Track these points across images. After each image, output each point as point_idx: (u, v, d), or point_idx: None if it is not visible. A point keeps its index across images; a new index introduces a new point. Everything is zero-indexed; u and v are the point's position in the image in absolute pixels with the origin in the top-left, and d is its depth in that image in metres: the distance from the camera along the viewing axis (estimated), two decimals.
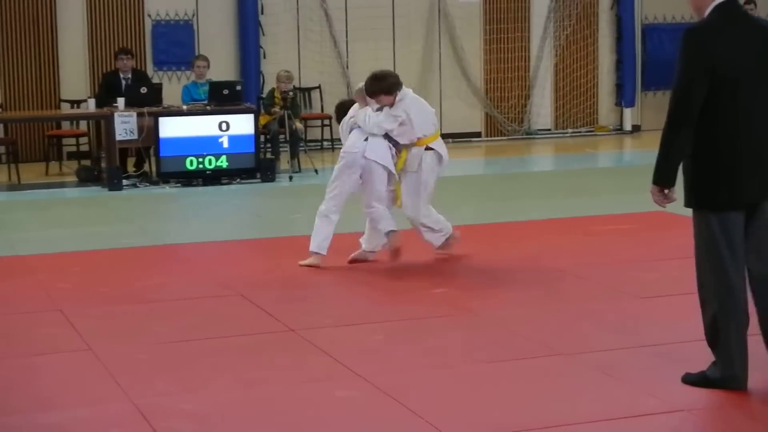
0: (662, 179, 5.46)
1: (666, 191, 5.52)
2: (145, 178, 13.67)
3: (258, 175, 13.61)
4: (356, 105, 8.98)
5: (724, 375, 5.41)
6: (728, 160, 5.31)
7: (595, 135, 18.60)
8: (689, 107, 5.26)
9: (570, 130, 18.58)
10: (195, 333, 6.79)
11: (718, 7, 5.25)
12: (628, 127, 18.83)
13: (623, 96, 18.71)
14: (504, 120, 18.17)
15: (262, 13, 16.76)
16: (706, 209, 5.45)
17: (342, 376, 5.86)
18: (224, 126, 13.45)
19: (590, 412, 5.26)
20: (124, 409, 5.42)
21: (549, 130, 18.56)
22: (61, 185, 13.93)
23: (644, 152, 16.95)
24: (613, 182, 13.86)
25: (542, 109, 18.43)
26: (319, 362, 6.14)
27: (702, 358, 6.07)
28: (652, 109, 19.11)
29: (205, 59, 14.68)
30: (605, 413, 5.24)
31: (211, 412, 5.39)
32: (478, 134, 18.06)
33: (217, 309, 7.43)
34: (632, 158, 17.02)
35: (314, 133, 16.87)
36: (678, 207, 10.90)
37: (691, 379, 5.57)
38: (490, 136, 18.13)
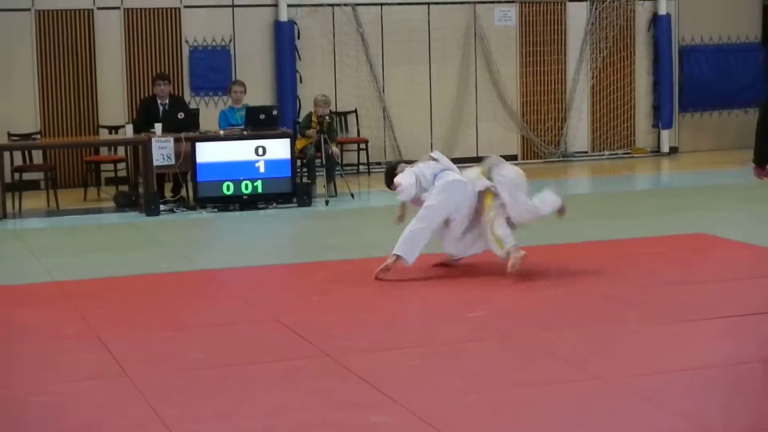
0: (760, 159, 7.73)
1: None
2: (182, 203, 13.73)
3: (294, 200, 13.63)
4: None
5: None
6: None
7: (633, 157, 18.53)
8: None
9: (607, 153, 18.52)
10: (230, 358, 6.78)
11: None
12: (665, 149, 18.75)
13: (660, 117, 18.64)
14: (540, 143, 18.13)
15: (299, 38, 16.84)
16: None
17: (377, 402, 5.83)
18: (260, 151, 13.49)
19: None
20: None
21: (586, 152, 18.51)
22: (99, 211, 14.02)
23: (682, 174, 16.88)
24: (651, 204, 13.77)
25: (579, 132, 18.39)
26: (354, 388, 6.12)
27: (741, 383, 6.01)
28: (690, 130, 19.04)
29: (242, 84, 14.74)
30: None
31: None
32: (514, 157, 18.00)
33: (252, 334, 7.42)
34: (670, 180, 16.93)
35: (350, 158, 16.90)
36: (718, 229, 10.84)
37: None
38: (527, 159, 18.09)
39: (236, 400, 5.95)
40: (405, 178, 9.29)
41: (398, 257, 8.96)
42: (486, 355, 6.75)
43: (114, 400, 6.06)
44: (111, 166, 15.48)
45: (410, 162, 9.73)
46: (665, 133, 18.76)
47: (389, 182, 9.50)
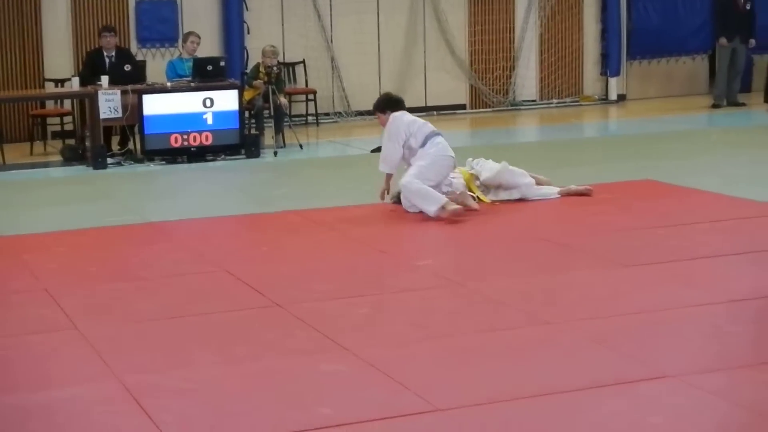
0: None
1: None
2: (130, 156, 13.62)
3: (243, 151, 13.57)
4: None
5: None
6: None
7: (581, 105, 18.59)
8: None
9: (555, 101, 18.56)
10: (181, 310, 6.76)
11: None
12: (613, 96, 18.83)
13: (608, 65, 18.70)
14: (489, 92, 18.13)
15: None
16: None
17: (328, 350, 5.84)
18: (208, 102, 13.39)
19: (579, 380, 5.25)
20: (112, 388, 5.39)
21: (534, 101, 18.54)
22: (46, 165, 13.85)
23: (630, 121, 16.97)
24: (599, 152, 13.85)
25: (527, 81, 18.41)
26: (305, 336, 6.12)
27: (689, 325, 6.09)
28: (638, 78, 19.12)
29: (198, 36, 14.65)
30: (594, 381, 5.23)
31: (198, 388, 5.36)
32: (462, 106, 18.03)
33: (202, 285, 7.40)
34: (618, 128, 17.02)
35: (298, 108, 16.83)
36: (665, 175, 10.94)
37: None
38: (475, 108, 18.10)
39: (187, 351, 5.94)
40: (391, 150, 9.38)
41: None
42: (436, 304, 6.78)
43: (63, 353, 6.04)
44: (57, 120, 15.31)
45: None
46: (613, 81, 18.82)
47: (384, 108, 9.79)
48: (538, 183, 10.06)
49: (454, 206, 9.14)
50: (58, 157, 14.03)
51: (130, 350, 6.01)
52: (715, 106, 17.47)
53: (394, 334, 6.13)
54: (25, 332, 6.43)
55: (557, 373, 5.39)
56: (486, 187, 9.90)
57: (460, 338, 6.01)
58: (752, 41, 17.65)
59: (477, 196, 9.69)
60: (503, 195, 9.90)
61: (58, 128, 15.32)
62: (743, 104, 17.49)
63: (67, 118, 15.25)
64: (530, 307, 6.55)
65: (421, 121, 9.77)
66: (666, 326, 6.12)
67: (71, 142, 14.68)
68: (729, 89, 17.62)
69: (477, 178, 9.91)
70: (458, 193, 9.51)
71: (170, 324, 6.47)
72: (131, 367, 5.68)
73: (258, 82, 14.34)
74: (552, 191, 10.00)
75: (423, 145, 9.54)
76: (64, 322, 6.58)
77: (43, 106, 15.43)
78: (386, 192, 9.69)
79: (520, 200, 9.87)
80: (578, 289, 7.01)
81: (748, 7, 17.61)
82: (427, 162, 9.45)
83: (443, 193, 9.38)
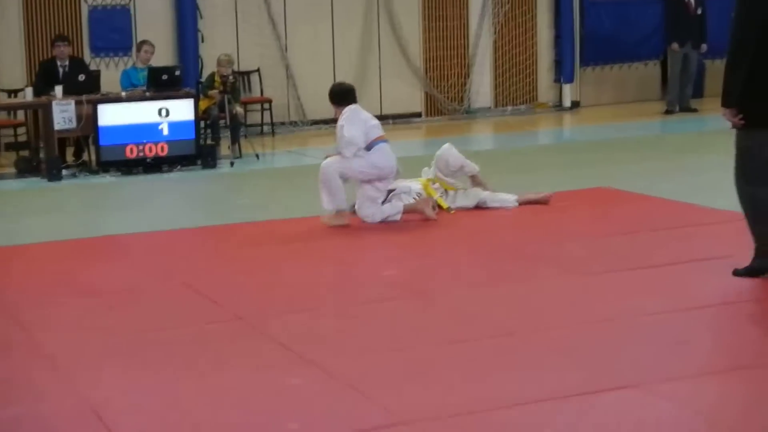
0: (729, 102, 6.86)
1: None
2: (85, 168, 13.53)
3: (199, 162, 13.51)
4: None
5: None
6: None
7: (535, 112, 18.68)
8: (747, 44, 6.71)
9: (510, 108, 18.63)
10: (143, 324, 6.72)
11: None
12: (567, 103, 18.92)
13: (562, 72, 18.78)
14: (444, 99, 18.18)
15: None
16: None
17: (293, 363, 5.83)
18: (164, 112, 13.32)
19: (544, 391, 5.28)
20: (75, 405, 5.36)
21: (489, 108, 18.59)
22: None
23: (584, 128, 17.08)
24: (554, 159, 13.92)
25: (482, 88, 18.46)
26: (269, 350, 6.11)
27: (650, 334, 6.14)
28: (591, 84, 19.23)
29: (153, 45, 14.58)
30: (558, 391, 5.26)
31: (162, 403, 5.34)
32: (418, 114, 18.06)
33: (163, 299, 7.36)
34: (572, 134, 17.11)
35: (254, 118, 16.77)
36: (620, 182, 11.01)
37: (741, 272, 7.07)
38: (431, 116, 18.14)
39: (150, 366, 5.90)
40: (356, 134, 9.43)
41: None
42: (400, 315, 6.78)
43: (26, 370, 5.98)
44: (11, 131, 15.16)
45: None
46: (567, 88, 18.91)
47: (338, 101, 9.70)
48: (476, 183, 10.16)
49: (343, 221, 9.33)
50: (12, 169, 13.89)
51: (92, 366, 5.96)
52: (668, 111, 17.60)
53: (359, 347, 6.13)
54: None
55: (522, 384, 5.41)
56: (445, 191, 9.96)
57: (425, 350, 6.02)
58: (704, 46, 17.78)
59: (436, 203, 9.73)
60: (461, 200, 9.95)
61: (11, 140, 15.17)
62: (696, 110, 17.63)
63: (21, 129, 15.10)
64: (494, 318, 6.58)
65: (374, 122, 9.72)
66: (628, 335, 6.17)
67: (25, 153, 14.54)
68: (681, 95, 17.75)
69: (434, 181, 9.98)
70: (420, 200, 9.56)
71: (132, 339, 6.43)
72: (94, 383, 5.64)
73: (213, 92, 14.29)
74: (510, 198, 10.06)
75: (369, 148, 9.49)
76: (24, 338, 6.52)
77: None
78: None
79: (478, 207, 9.92)
80: (540, 298, 7.04)
81: (699, 12, 17.73)
82: (362, 165, 9.42)
83: (406, 203, 9.47)
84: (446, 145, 10.20)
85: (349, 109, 9.60)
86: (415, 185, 9.84)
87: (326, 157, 9.58)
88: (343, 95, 9.77)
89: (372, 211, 9.45)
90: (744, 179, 7.00)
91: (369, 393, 5.31)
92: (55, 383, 5.70)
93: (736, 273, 7.13)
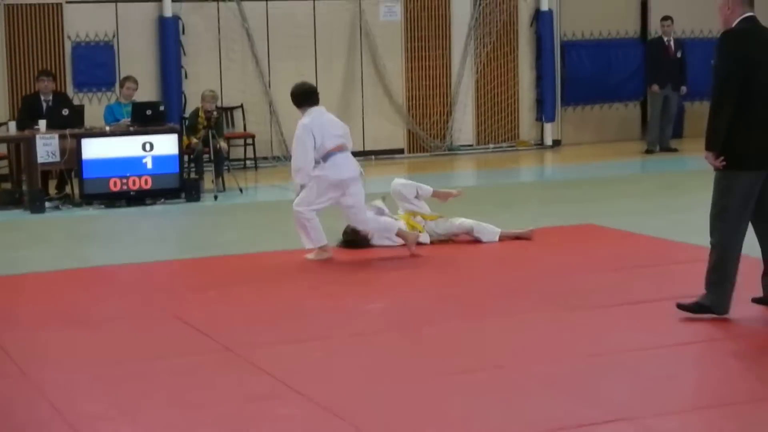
0: (714, 145, 6.93)
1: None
2: (68, 201, 13.52)
3: (183, 195, 13.53)
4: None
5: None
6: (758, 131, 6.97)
7: (517, 150, 18.77)
8: (731, 90, 6.85)
9: (492, 146, 18.72)
10: (132, 356, 6.71)
11: (744, 19, 6.98)
12: (548, 141, 19.02)
13: (543, 111, 18.91)
14: (426, 136, 18.25)
15: (183, 33, 16.68)
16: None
17: (283, 395, 5.84)
18: (148, 147, 13.35)
19: (535, 425, 5.30)
20: None
21: (471, 145, 18.68)
22: None
23: (565, 166, 17.17)
24: (536, 196, 13.98)
25: (464, 125, 18.55)
26: (258, 381, 6.11)
27: (639, 369, 6.17)
28: (572, 123, 19.35)
29: (136, 81, 14.63)
30: (551, 424, 5.28)
31: None
32: (401, 151, 18.13)
33: (151, 331, 7.35)
34: (554, 172, 17.19)
35: (237, 152, 16.80)
36: (603, 219, 11.07)
37: (685, 306, 7.16)
38: (413, 153, 18.20)
39: (138, 398, 5.90)
40: (302, 158, 9.28)
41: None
42: (387, 348, 6.80)
43: (13, 400, 5.96)
44: None
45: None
46: (548, 126, 19.03)
47: (298, 103, 9.45)
48: (441, 197, 10.43)
49: (327, 255, 9.38)
50: None
51: (82, 397, 5.95)
52: (648, 151, 17.73)
53: (347, 379, 6.14)
54: None
55: (512, 418, 5.43)
56: (424, 220, 10.10)
57: (412, 383, 6.03)
58: (683, 88, 17.95)
59: (418, 236, 9.82)
60: (445, 227, 10.01)
61: None
62: (676, 149, 17.78)
63: (3, 162, 15.08)
64: (482, 351, 6.60)
65: (335, 129, 9.44)
66: (617, 370, 6.20)
67: (7, 186, 14.53)
68: (662, 135, 17.89)
69: (414, 215, 10.03)
70: (411, 232, 9.64)
71: (121, 370, 6.42)
72: (82, 414, 5.63)
73: (198, 136, 14.32)
74: (494, 231, 10.09)
75: (325, 159, 9.31)
76: (11, 368, 6.50)
77: None
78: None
79: (461, 236, 9.98)
80: (527, 332, 7.06)
81: (678, 55, 17.93)
82: (321, 189, 9.35)
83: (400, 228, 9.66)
84: (394, 181, 10.32)
85: (309, 114, 9.33)
86: (399, 223, 9.89)
87: (296, 195, 9.55)
88: (304, 96, 9.45)
89: (370, 216, 9.62)
90: (720, 218, 7.09)
91: (358, 424, 5.32)
92: (45, 413, 5.67)
93: (680, 306, 7.22)
